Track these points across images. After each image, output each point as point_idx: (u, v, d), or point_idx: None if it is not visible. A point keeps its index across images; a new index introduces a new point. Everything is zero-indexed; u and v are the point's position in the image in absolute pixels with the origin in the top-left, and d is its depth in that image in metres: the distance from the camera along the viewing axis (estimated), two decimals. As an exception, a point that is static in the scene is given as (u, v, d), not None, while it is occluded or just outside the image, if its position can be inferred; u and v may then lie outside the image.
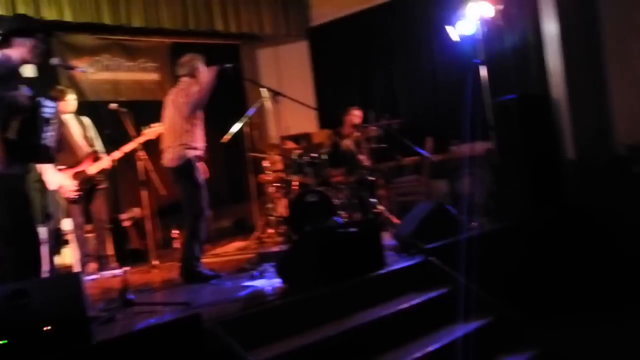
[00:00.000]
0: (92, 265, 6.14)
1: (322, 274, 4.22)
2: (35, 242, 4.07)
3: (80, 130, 6.36)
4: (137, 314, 3.98)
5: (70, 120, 6.32)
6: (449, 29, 7.11)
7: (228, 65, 5.44)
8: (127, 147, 6.13)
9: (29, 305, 3.11)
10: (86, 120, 6.42)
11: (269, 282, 4.59)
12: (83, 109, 6.33)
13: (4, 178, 3.91)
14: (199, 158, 5.31)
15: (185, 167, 5.18)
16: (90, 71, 7.94)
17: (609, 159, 6.67)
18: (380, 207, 6.98)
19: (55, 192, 6.44)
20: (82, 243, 5.98)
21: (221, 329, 3.41)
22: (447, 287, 4.59)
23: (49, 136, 4.12)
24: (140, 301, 4.20)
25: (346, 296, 4.24)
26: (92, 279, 5.77)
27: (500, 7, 6.83)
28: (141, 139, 6.13)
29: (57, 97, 6.32)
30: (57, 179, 6.04)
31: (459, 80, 7.75)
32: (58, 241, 6.56)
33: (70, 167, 5.99)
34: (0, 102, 3.82)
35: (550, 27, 6.91)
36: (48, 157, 4.13)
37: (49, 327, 3.09)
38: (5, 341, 3.01)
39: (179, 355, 3.34)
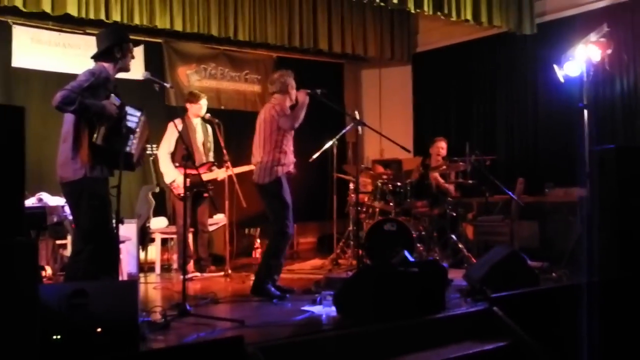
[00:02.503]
0: (190, 266, 6.39)
1: (377, 310, 4.19)
2: (111, 242, 4.32)
3: (202, 138, 6.65)
4: (191, 325, 4.12)
5: (197, 124, 6.63)
6: (556, 68, 6.86)
7: (318, 90, 5.53)
8: (240, 169, 6.36)
9: (85, 305, 3.28)
10: (210, 130, 6.72)
11: (325, 310, 4.60)
12: (181, 112, 6.60)
13: (87, 180, 4.19)
14: (288, 174, 5.36)
15: (274, 185, 5.24)
16: (195, 78, 8.32)
17: None
18: (460, 245, 6.82)
19: (147, 192, 6.80)
20: (184, 243, 6.15)
21: (261, 355, 3.46)
22: (505, 341, 4.42)
23: (132, 144, 4.37)
24: (197, 313, 4.36)
25: (399, 336, 4.16)
26: (190, 279, 6.02)
27: (609, 51, 6.52)
28: (239, 170, 6.37)
29: (190, 100, 6.66)
30: (173, 173, 6.38)
31: (560, 122, 7.50)
32: (144, 239, 6.90)
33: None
34: (90, 110, 4.09)
35: (663, 77, 6.54)
36: (129, 164, 4.37)
37: (100, 330, 3.27)
38: (59, 336, 3.20)
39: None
